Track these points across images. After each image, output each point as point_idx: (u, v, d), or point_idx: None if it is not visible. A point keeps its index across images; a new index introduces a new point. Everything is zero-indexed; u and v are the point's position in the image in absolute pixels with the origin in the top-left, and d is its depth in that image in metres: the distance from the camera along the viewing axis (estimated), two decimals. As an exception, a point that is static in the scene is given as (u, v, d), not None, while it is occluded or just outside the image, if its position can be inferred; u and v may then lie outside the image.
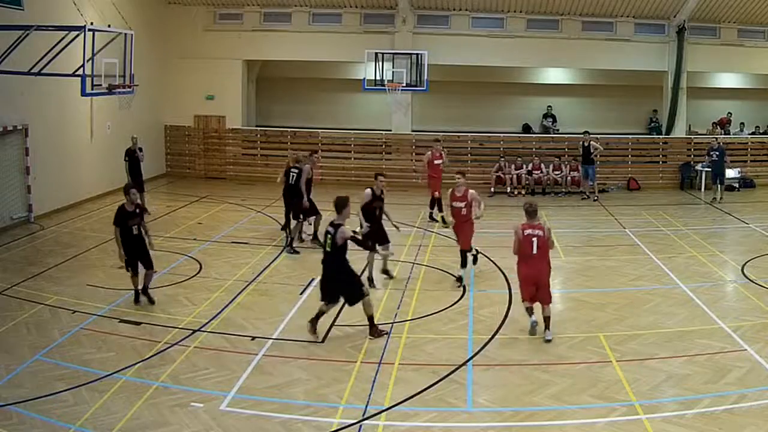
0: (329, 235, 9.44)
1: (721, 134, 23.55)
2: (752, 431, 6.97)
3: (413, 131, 23.17)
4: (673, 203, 19.96)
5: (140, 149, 17.50)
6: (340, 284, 9.54)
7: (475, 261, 12.74)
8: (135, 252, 10.80)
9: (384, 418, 7.42)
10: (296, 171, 14.44)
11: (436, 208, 16.92)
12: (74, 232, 15.70)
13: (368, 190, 11.97)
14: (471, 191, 11.95)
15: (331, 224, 9.51)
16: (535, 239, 9.52)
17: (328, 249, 9.51)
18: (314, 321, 9.63)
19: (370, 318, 9.63)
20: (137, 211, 10.83)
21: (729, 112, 24.50)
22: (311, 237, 14.78)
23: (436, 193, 16.80)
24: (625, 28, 22.62)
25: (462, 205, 11.85)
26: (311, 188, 14.94)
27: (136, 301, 10.91)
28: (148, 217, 17.03)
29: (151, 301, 10.91)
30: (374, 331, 9.62)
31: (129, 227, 10.69)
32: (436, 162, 17.03)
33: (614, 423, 7.25)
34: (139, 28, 17.44)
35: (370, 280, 11.80)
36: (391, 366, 8.68)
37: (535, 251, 9.49)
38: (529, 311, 9.79)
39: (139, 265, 10.86)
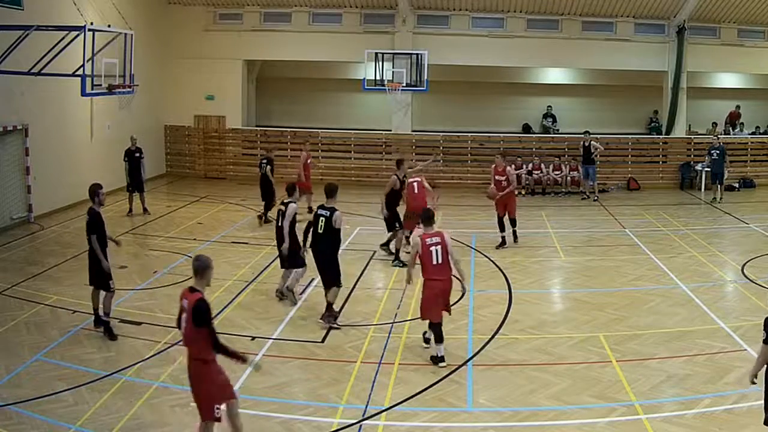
0: (322, 218, 9.84)
1: (729, 130, 23.65)
2: (752, 431, 6.97)
3: (413, 131, 23.17)
4: (673, 203, 19.95)
5: (140, 150, 17.48)
6: (325, 265, 10.00)
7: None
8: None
9: (384, 418, 7.42)
10: (265, 162, 16.79)
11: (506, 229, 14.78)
12: (74, 232, 15.65)
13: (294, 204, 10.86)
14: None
15: (323, 207, 9.97)
16: (416, 185, 13.28)
17: (320, 231, 9.88)
18: (331, 313, 10.03)
19: (330, 305, 9.97)
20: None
21: (737, 105, 24.47)
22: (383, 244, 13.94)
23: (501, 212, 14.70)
24: (625, 28, 22.61)
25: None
26: (399, 200, 13.67)
27: (101, 323, 9.55)
28: (148, 218, 17.19)
29: (114, 337, 9.46)
30: (328, 318, 9.90)
31: (104, 234, 9.56)
32: (497, 178, 14.57)
33: (614, 423, 7.25)
34: (139, 28, 17.44)
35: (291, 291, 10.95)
36: (391, 366, 8.68)
37: (416, 191, 13.26)
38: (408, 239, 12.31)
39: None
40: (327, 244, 9.92)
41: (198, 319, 5.96)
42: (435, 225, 8.95)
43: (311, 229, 10.03)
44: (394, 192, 13.47)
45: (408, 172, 13.85)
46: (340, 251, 10.42)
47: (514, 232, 14.78)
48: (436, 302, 8.65)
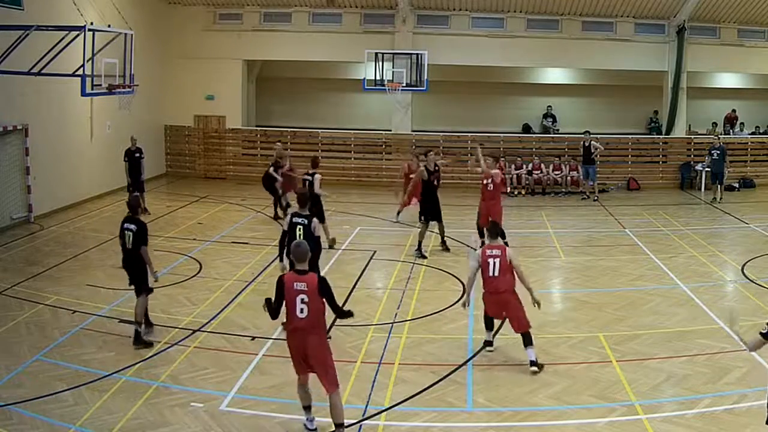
0: (300, 226, 9.42)
1: (729, 131, 23.74)
2: (752, 431, 6.97)
3: (413, 131, 23.17)
4: (673, 203, 19.95)
5: (140, 150, 17.47)
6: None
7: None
8: None
9: (384, 418, 7.42)
10: (272, 166, 17.10)
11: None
12: (74, 232, 15.70)
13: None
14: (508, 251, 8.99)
15: (298, 215, 9.54)
16: None
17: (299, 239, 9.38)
18: None
19: None
20: None
21: (733, 109, 24.52)
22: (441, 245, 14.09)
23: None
24: (625, 28, 22.61)
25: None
26: (432, 191, 13.84)
27: (143, 341, 9.32)
28: (148, 218, 17.18)
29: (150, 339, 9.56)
30: None
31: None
32: (484, 181, 14.13)
33: (614, 423, 7.25)
34: (139, 28, 17.43)
35: None
36: (391, 366, 8.68)
37: None
38: None
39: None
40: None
41: (326, 291, 6.81)
42: None
43: (286, 238, 9.60)
44: (425, 183, 13.78)
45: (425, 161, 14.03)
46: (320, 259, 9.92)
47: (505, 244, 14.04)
48: (491, 311, 9.07)
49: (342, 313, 7.11)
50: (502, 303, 8.81)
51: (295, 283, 6.75)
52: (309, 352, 6.84)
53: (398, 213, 16.94)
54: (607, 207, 19.33)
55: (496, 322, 9.36)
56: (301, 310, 6.72)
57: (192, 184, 22.44)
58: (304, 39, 22.93)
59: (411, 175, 16.16)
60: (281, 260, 9.65)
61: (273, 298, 6.91)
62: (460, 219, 16.54)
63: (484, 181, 13.93)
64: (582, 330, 9.92)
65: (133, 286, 9.57)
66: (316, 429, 7.12)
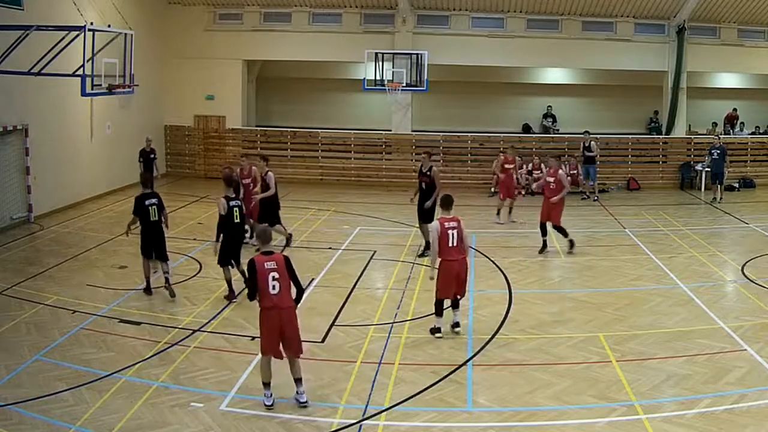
0: (237, 208, 10.88)
1: (729, 131, 23.76)
2: (752, 431, 6.98)
3: (413, 131, 23.17)
4: (673, 203, 19.95)
5: (153, 151, 17.52)
6: (239, 248, 11.09)
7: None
8: None
9: (384, 418, 7.42)
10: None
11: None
12: (74, 232, 15.70)
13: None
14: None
15: (231, 198, 10.92)
16: None
17: (237, 220, 10.88)
18: (232, 292, 10.99)
19: (229, 281, 11.01)
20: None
21: (734, 108, 24.53)
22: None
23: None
24: (625, 28, 22.62)
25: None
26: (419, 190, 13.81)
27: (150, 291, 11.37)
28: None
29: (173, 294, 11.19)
30: (230, 296, 10.99)
31: None
32: (548, 179, 14.23)
33: (614, 423, 7.25)
34: (139, 28, 17.44)
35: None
36: (391, 366, 8.68)
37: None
38: None
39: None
40: (243, 229, 11.38)
41: (292, 268, 7.67)
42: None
43: (222, 222, 10.86)
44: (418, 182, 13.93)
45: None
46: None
47: (570, 242, 14.04)
48: (450, 283, 9.49)
49: (302, 289, 7.92)
50: (460, 270, 9.50)
51: (265, 263, 7.52)
52: (285, 325, 7.51)
53: (498, 212, 17.15)
54: (607, 207, 19.32)
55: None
56: (273, 287, 7.45)
57: (192, 184, 22.42)
58: (304, 39, 22.93)
59: (506, 165, 17.10)
60: (217, 241, 10.85)
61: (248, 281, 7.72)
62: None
63: (548, 179, 14.16)
64: (582, 330, 9.92)
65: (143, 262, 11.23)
66: (272, 404, 7.57)
